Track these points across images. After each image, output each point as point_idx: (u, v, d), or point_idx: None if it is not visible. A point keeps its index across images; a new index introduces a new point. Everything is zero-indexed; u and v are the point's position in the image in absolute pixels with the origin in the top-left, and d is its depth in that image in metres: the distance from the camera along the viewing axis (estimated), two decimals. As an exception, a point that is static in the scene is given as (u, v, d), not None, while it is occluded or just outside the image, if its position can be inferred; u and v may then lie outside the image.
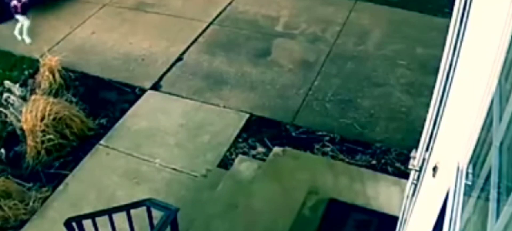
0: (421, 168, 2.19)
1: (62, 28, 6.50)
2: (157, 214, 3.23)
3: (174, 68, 5.78)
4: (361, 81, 5.38)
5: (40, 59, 5.53)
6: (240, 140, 4.77)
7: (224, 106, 5.16)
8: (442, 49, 1.97)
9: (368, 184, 4.09)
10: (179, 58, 5.92)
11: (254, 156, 4.60)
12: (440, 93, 1.97)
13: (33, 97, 4.81)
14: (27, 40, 6.24)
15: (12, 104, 4.91)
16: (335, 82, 5.39)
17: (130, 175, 4.49)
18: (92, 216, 3.39)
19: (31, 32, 6.35)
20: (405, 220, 2.41)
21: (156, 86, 5.52)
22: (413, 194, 2.33)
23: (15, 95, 4.98)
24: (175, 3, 6.95)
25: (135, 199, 3.52)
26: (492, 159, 1.24)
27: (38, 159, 4.60)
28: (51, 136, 4.61)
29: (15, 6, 6.08)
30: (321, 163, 4.43)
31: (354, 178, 4.14)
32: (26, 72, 5.73)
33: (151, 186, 4.36)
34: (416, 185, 2.26)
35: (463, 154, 1.49)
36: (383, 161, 4.45)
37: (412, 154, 2.42)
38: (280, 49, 5.95)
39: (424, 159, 2.13)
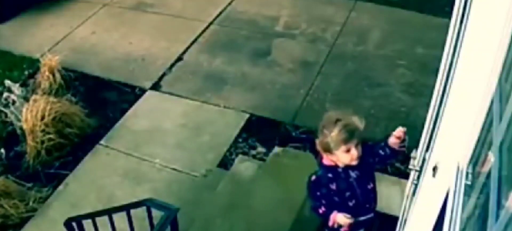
0: (421, 168, 2.19)
1: (62, 28, 6.50)
2: (157, 214, 3.23)
3: (174, 68, 5.78)
4: (361, 81, 5.38)
5: (40, 59, 5.53)
6: (240, 140, 4.77)
7: (224, 106, 5.16)
8: (442, 49, 1.97)
9: (368, 184, 4.08)
10: (179, 58, 5.92)
11: (254, 156, 4.59)
12: (440, 93, 1.97)
13: (33, 97, 4.81)
14: None
15: (12, 104, 4.92)
16: (335, 82, 5.39)
17: (130, 175, 4.49)
18: (92, 216, 3.39)
19: (30, 31, 6.36)
20: (405, 220, 2.41)
21: (156, 86, 5.52)
22: (413, 194, 2.33)
23: (15, 95, 4.98)
24: (175, 3, 6.95)
25: (135, 199, 3.52)
26: (492, 159, 1.24)
27: (38, 158, 4.60)
28: (51, 136, 4.61)
29: None
30: (321, 163, 4.42)
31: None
32: (26, 72, 5.72)
33: (151, 186, 4.36)
34: (416, 185, 2.26)
35: (463, 154, 1.49)
36: (383, 161, 4.44)
37: (412, 154, 2.42)
38: (280, 49, 5.95)
39: (424, 159, 2.13)
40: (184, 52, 6.01)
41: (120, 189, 4.34)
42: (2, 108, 5.00)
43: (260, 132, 4.84)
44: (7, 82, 5.14)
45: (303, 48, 5.97)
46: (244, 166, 4.39)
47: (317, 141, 2.51)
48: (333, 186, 2.54)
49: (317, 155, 2.64)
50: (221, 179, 4.25)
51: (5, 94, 5.04)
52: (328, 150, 2.45)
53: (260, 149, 4.66)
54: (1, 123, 5.01)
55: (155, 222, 3.22)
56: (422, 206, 1.83)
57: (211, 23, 6.50)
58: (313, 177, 2.61)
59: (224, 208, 3.91)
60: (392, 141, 2.50)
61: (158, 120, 5.08)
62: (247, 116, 5.02)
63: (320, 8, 6.61)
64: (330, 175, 2.54)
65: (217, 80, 5.52)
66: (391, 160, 2.55)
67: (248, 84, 5.45)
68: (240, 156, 4.56)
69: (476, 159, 1.45)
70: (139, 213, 3.35)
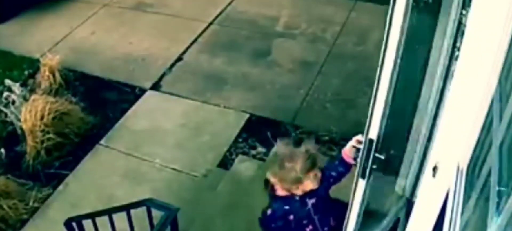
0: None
1: (62, 28, 6.50)
2: (157, 214, 3.23)
3: (174, 68, 5.78)
4: (361, 81, 5.37)
5: (40, 59, 5.53)
6: (240, 140, 4.77)
7: (224, 106, 5.16)
8: (442, 49, 1.96)
9: (368, 184, 4.08)
10: (179, 58, 5.92)
11: (254, 156, 4.59)
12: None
13: (33, 97, 4.81)
14: None
15: (12, 104, 4.92)
16: (335, 82, 5.39)
17: (130, 175, 4.49)
18: (92, 216, 3.39)
19: (30, 31, 6.35)
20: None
21: (156, 86, 5.52)
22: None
23: (15, 95, 4.98)
24: (175, 3, 6.95)
25: (135, 199, 3.52)
26: (492, 159, 1.24)
27: (38, 158, 4.59)
28: (51, 136, 4.61)
29: None
30: (321, 163, 4.42)
31: (354, 178, 4.13)
32: (26, 72, 5.72)
33: (151, 186, 4.36)
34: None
35: (463, 154, 1.49)
36: (383, 161, 4.44)
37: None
38: (280, 49, 5.95)
39: (424, 159, 2.12)
40: (184, 52, 6.01)
41: (120, 189, 4.34)
42: (2, 108, 5.00)
43: (260, 131, 4.84)
44: (7, 82, 5.14)
45: (303, 48, 5.97)
46: (244, 166, 4.39)
47: (277, 178, 2.45)
48: (291, 217, 2.48)
49: (268, 188, 2.57)
50: (221, 179, 4.25)
51: (5, 94, 5.04)
52: (298, 181, 2.41)
53: (260, 149, 4.65)
54: (1, 123, 5.01)
55: (155, 222, 3.22)
56: (422, 206, 1.83)
57: (211, 23, 6.49)
58: (269, 211, 2.51)
59: (224, 208, 3.91)
60: (348, 148, 2.43)
61: (158, 120, 5.08)
62: (247, 116, 5.02)
63: (320, 8, 6.61)
64: (286, 207, 2.47)
65: (217, 80, 5.52)
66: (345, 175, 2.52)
67: (248, 84, 5.45)
68: (240, 156, 4.56)
69: (476, 159, 1.45)
70: (139, 213, 3.35)
